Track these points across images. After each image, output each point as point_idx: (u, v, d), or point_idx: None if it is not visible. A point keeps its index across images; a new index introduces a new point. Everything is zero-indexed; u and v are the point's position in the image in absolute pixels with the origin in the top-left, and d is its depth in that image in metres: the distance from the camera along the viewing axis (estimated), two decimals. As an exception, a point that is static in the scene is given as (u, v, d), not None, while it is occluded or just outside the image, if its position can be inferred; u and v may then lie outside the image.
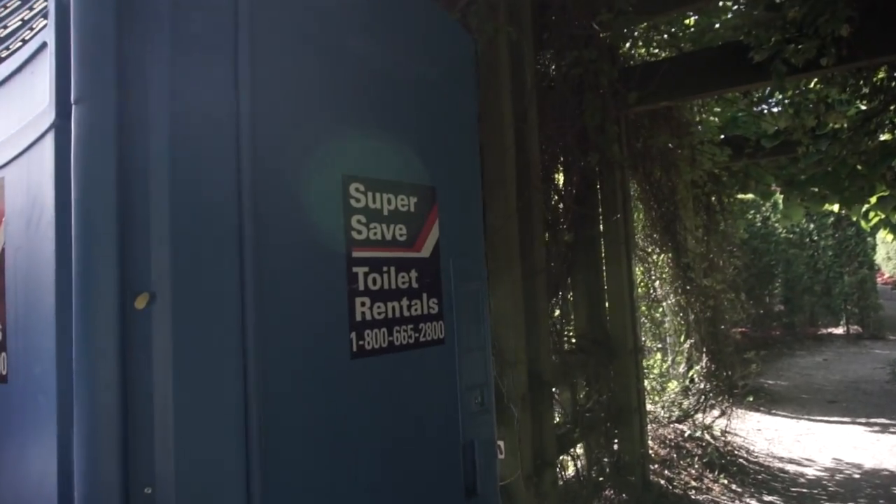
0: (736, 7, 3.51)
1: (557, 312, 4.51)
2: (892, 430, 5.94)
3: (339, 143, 1.37)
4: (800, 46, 2.72)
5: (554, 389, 3.51)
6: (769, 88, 5.11)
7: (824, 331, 11.95)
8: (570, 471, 3.52)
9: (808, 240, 11.82)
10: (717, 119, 6.05)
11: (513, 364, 2.64)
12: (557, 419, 3.44)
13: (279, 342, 1.24)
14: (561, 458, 3.45)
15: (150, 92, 1.26)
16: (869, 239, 12.41)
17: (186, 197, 1.24)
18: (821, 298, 11.68)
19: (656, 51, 5.24)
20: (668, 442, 4.98)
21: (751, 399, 6.74)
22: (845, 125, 4.39)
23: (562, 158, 4.07)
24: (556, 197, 4.15)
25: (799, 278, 11.63)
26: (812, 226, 11.76)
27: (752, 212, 11.46)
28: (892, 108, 4.23)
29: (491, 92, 2.66)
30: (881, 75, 4.28)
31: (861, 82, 4.37)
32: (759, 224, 11.63)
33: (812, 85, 4.80)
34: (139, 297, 1.23)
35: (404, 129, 1.50)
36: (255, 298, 1.25)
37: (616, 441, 4.02)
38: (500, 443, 1.70)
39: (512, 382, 2.63)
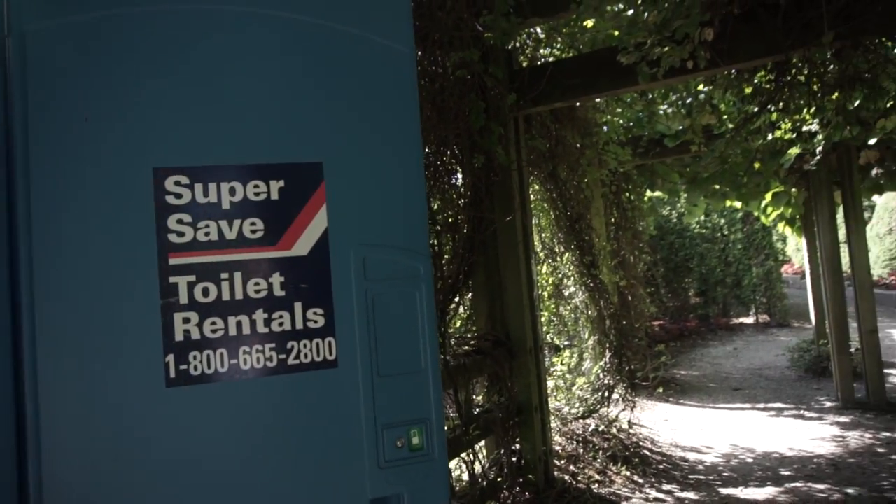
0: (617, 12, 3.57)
1: (463, 314, 4.53)
2: (785, 413, 6.27)
3: (148, 129, 1.12)
4: (665, 49, 2.81)
5: (449, 391, 3.50)
6: (663, 89, 5.31)
7: (736, 321, 12.54)
8: (466, 475, 3.50)
9: (719, 234, 12.38)
10: (620, 119, 6.22)
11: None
12: (449, 423, 3.42)
13: (56, 368, 1.08)
14: (454, 462, 3.43)
15: None
16: (776, 231, 13.10)
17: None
18: (732, 290, 12.26)
19: (557, 52, 5.34)
20: (575, 437, 5.06)
21: (661, 391, 6.97)
22: (730, 125, 4.61)
23: (459, 160, 4.08)
24: (454, 199, 4.15)
25: (712, 271, 12.17)
26: (723, 221, 12.33)
27: (668, 208, 11.92)
28: (770, 108, 4.43)
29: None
30: (762, 76, 4.49)
31: (743, 84, 4.58)
32: (674, 220, 12.11)
33: (701, 87, 5.00)
34: None
35: (263, 95, 1.19)
36: (27, 318, 1.11)
37: (517, 440, 4.05)
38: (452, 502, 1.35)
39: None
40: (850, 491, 4.17)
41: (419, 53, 3.50)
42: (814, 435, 5.47)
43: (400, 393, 1.22)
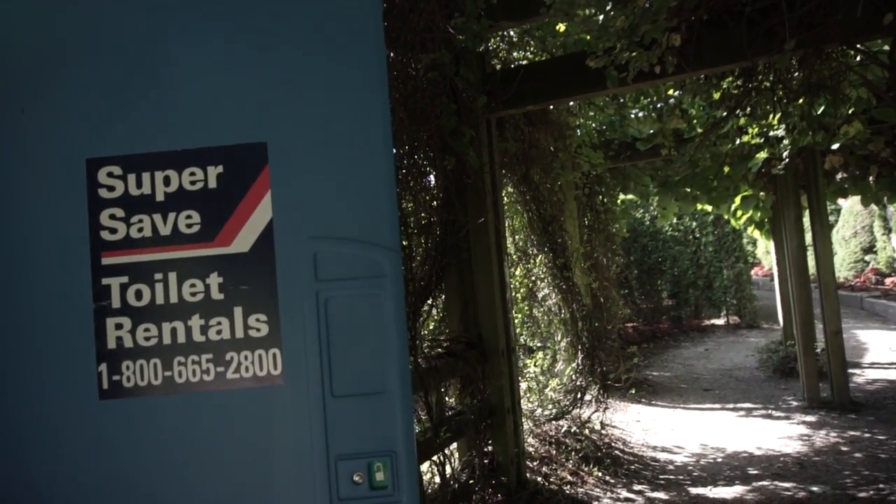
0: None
1: (436, 316, 4.53)
2: (754, 413, 6.38)
3: (81, 118, 1.04)
4: (633, 54, 2.84)
5: (420, 394, 3.48)
6: (633, 94, 5.37)
7: (707, 322, 12.74)
8: (437, 478, 3.49)
9: (691, 237, 12.56)
10: (593, 123, 6.28)
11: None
12: (420, 426, 3.41)
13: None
14: (425, 465, 3.42)
15: None
16: (747, 234, 13.32)
17: None
18: (704, 292, 12.45)
19: (530, 55, 5.37)
20: (548, 439, 5.08)
21: (633, 392, 7.03)
22: (699, 130, 4.69)
23: (431, 162, 4.07)
24: (427, 201, 4.14)
25: (684, 273, 12.35)
26: (695, 224, 12.52)
27: (640, 211, 12.06)
28: (738, 113, 4.51)
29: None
30: (729, 81, 4.57)
31: (711, 90, 4.65)
32: (647, 223, 12.26)
33: (670, 91, 5.06)
34: None
35: (196, 65, 1.06)
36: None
37: (490, 442, 4.05)
38: None
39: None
40: (814, 489, 4.26)
41: (391, 55, 3.49)
42: (781, 434, 5.58)
43: (359, 418, 1.01)
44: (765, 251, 19.67)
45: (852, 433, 5.45)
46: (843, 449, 5.05)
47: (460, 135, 3.48)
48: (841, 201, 14.80)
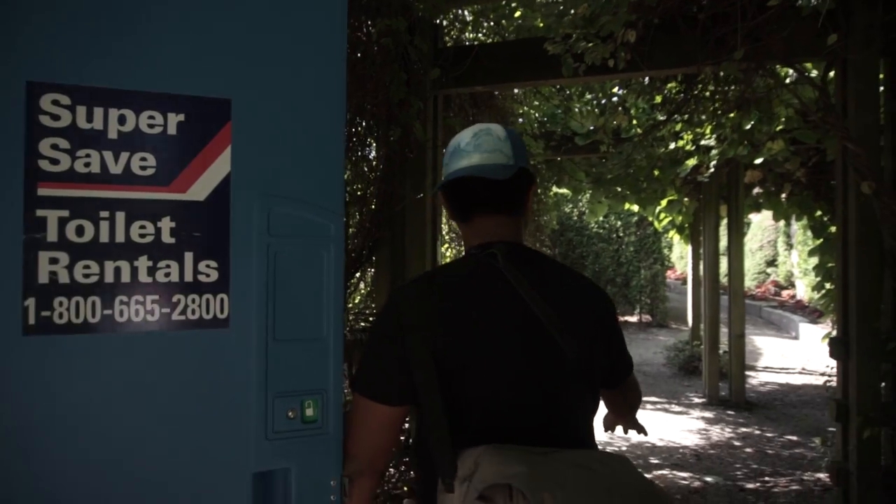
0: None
1: (364, 289, 4.46)
2: (658, 406, 6.72)
3: (25, 36, 0.95)
4: (590, 45, 2.85)
5: (343, 365, 3.41)
6: (580, 88, 5.45)
7: (622, 318, 13.29)
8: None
9: (615, 235, 13.02)
10: (536, 112, 6.32)
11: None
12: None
13: None
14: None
15: None
16: (665, 238, 13.96)
17: None
18: (621, 289, 12.96)
19: (482, 37, 5.32)
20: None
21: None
22: (639, 130, 4.82)
23: (375, 132, 3.96)
24: (366, 172, 4.04)
25: (605, 270, 12.81)
26: (619, 223, 12.97)
27: (570, 206, 12.36)
28: (676, 118, 4.66)
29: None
30: (672, 86, 4.71)
31: (655, 92, 4.78)
32: (575, 218, 12.60)
33: (615, 89, 5.17)
34: None
35: (171, 13, 1.04)
36: None
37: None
38: (344, 479, 1.18)
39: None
40: (708, 479, 4.53)
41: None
42: (682, 427, 5.90)
43: (296, 360, 1.11)
44: (679, 256, 20.71)
45: (744, 430, 5.84)
46: (736, 444, 5.41)
47: (408, 106, 3.39)
48: (752, 215, 15.73)
